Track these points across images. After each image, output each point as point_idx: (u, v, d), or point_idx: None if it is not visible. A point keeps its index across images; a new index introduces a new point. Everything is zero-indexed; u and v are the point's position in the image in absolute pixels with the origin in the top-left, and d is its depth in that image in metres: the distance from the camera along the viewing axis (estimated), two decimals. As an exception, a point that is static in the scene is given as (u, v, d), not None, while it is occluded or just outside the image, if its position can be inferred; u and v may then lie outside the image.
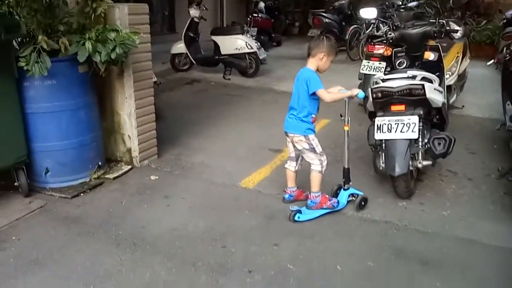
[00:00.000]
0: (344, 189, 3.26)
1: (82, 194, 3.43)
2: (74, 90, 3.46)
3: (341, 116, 3.16)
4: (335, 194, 3.31)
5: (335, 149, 4.48)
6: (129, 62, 3.70)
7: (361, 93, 2.99)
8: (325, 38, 3.01)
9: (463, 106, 5.89)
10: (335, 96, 3.00)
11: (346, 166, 3.23)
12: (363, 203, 3.24)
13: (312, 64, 3.00)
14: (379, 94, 3.19)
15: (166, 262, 2.59)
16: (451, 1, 5.97)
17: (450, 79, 4.96)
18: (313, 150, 3.08)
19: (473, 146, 4.59)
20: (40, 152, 3.45)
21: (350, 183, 3.29)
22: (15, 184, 3.32)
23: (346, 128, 3.15)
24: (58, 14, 3.39)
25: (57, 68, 3.26)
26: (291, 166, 3.27)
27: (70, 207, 3.24)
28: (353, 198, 3.26)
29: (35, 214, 3.14)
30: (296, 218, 3.04)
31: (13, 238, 2.83)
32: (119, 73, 3.76)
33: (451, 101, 5.28)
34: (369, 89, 3.27)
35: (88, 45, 3.20)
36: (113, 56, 3.26)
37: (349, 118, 3.14)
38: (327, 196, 3.19)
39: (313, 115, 3.04)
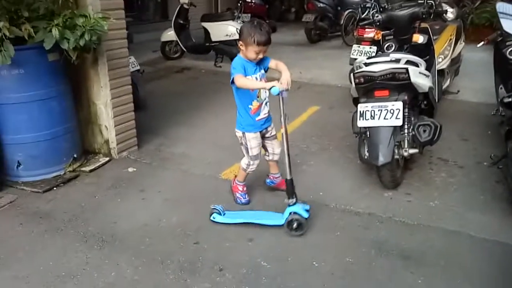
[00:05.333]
0: (289, 205, 2.71)
1: (55, 188, 3.30)
2: (45, 79, 3.30)
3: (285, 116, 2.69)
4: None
5: (322, 137, 4.36)
6: (103, 50, 3.54)
7: (274, 89, 2.52)
8: (247, 23, 2.73)
9: (458, 91, 5.70)
10: (247, 83, 2.65)
11: (288, 177, 2.71)
12: (295, 225, 2.67)
13: (241, 52, 2.75)
14: (361, 79, 3.01)
15: (133, 260, 2.46)
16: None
17: (442, 63, 4.77)
18: (246, 150, 2.94)
19: (466, 133, 4.42)
20: (11, 145, 3.32)
21: (294, 199, 2.70)
22: (-15, 179, 3.20)
23: (283, 130, 2.67)
24: (24, -1, 3.22)
25: (24, 56, 3.11)
26: (266, 156, 3.14)
27: (41, 202, 3.11)
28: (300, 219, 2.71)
29: (3, 210, 3.01)
30: (211, 217, 2.81)
31: (-23, 235, 2.71)
32: (93, 61, 3.60)
33: (444, 86, 5.10)
34: (351, 74, 3.10)
35: (55, 31, 3.03)
36: (81, 43, 3.09)
37: (287, 118, 2.70)
38: (241, 188, 3.07)
39: (250, 106, 2.80)
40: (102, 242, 2.64)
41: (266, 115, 2.89)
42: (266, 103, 2.86)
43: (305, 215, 2.69)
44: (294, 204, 2.70)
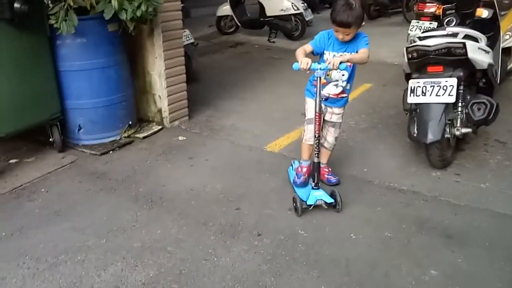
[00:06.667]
0: (313, 188, 2.67)
1: (111, 152, 3.53)
2: (104, 49, 3.50)
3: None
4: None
5: (372, 114, 4.29)
6: (158, 21, 3.67)
7: (295, 65, 2.53)
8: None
9: (525, 72, 5.31)
10: (296, 52, 2.63)
11: (315, 160, 2.66)
12: (296, 204, 2.63)
13: None
14: (414, 54, 2.92)
15: (178, 220, 2.61)
16: None
17: (510, 41, 4.46)
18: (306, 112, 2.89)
19: (530, 115, 4.15)
20: (73, 110, 3.56)
21: (314, 183, 2.67)
22: (50, 140, 3.47)
23: (316, 110, 2.58)
24: (88, -29, 3.39)
25: (86, 26, 3.31)
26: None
27: (98, 163, 3.34)
28: (323, 205, 2.63)
29: (65, 168, 3.28)
30: (289, 168, 3.04)
31: (42, 190, 2.98)
32: (149, 32, 3.75)
33: (510, 66, 4.77)
34: (404, 49, 3.00)
35: (114, 2, 3.18)
36: (138, 13, 3.23)
37: (324, 99, 2.67)
38: (302, 169, 2.91)
39: (314, 79, 2.66)
40: (151, 202, 2.81)
41: (329, 94, 2.76)
42: (336, 85, 2.73)
43: (331, 199, 2.64)
44: (318, 189, 2.65)
